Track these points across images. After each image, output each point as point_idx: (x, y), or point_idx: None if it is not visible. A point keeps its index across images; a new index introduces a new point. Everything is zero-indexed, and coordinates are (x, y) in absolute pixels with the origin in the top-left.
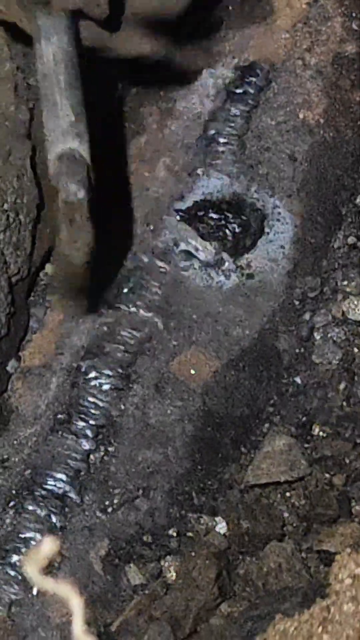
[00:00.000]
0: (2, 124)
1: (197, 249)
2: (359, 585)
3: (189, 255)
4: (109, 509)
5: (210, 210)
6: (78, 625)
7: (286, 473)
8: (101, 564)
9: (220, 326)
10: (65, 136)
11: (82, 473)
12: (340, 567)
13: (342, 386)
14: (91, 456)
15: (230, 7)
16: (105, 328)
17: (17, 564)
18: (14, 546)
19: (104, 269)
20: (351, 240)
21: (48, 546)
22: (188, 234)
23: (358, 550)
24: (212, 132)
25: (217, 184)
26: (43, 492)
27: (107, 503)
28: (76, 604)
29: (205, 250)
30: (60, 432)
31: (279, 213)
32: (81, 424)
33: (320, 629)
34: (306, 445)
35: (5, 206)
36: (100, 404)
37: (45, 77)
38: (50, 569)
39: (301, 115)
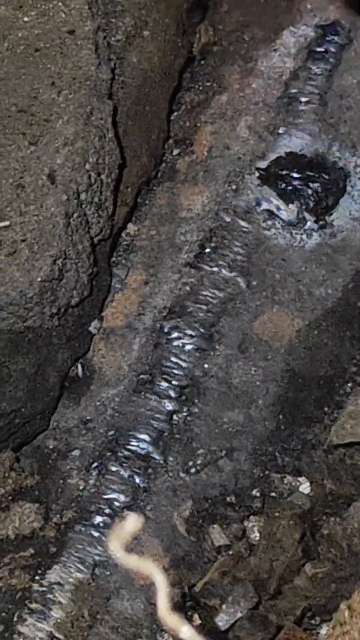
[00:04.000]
0: (84, 83)
1: (279, 208)
2: None
3: (270, 214)
4: (192, 470)
5: (292, 169)
6: (162, 603)
7: None
8: (185, 525)
9: (303, 286)
10: None
11: (166, 434)
12: None
13: None
14: (174, 417)
15: None
16: (187, 288)
17: (101, 525)
18: (97, 507)
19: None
20: None
21: (132, 523)
22: (270, 193)
23: None
24: (294, 90)
25: (299, 143)
26: (126, 453)
27: (190, 464)
28: (161, 581)
29: (287, 209)
30: (143, 393)
31: None
32: (164, 384)
33: None
34: None
35: (87, 166)
36: (183, 364)
37: None
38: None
39: None
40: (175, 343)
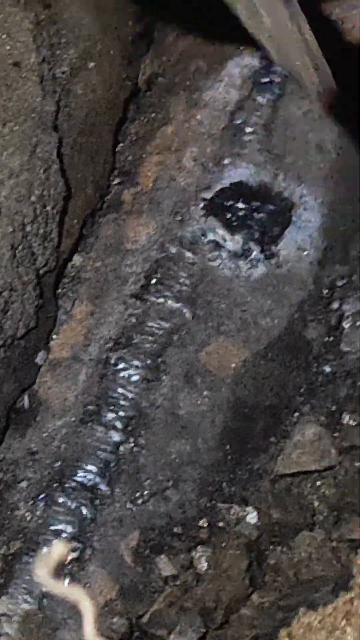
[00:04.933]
0: (29, 115)
1: (224, 239)
2: None
3: (216, 245)
4: (139, 501)
5: (237, 200)
6: (89, 628)
7: (316, 462)
8: (132, 556)
9: (249, 316)
10: None
11: (112, 464)
12: None
13: None
14: (121, 447)
15: None
16: (133, 319)
17: None
18: (44, 538)
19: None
20: None
21: (59, 550)
22: (215, 224)
23: None
24: (239, 121)
25: (244, 174)
26: (73, 484)
27: (137, 494)
28: (87, 607)
29: (232, 240)
30: (89, 424)
31: (307, 202)
32: (110, 415)
33: (343, 622)
34: (336, 434)
35: (33, 198)
36: (130, 395)
37: None
38: (71, 567)
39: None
40: (122, 374)
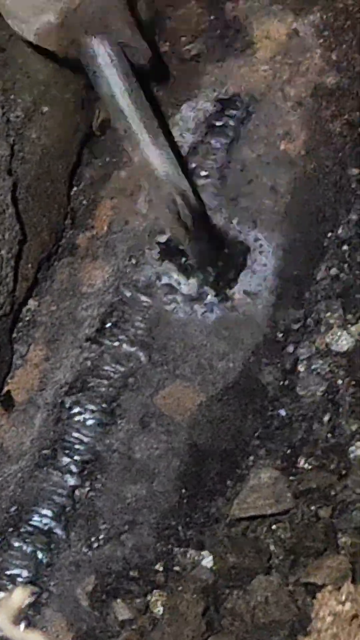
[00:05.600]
0: None
1: (179, 283)
2: (339, 623)
3: (171, 288)
4: (95, 545)
5: None
6: None
7: (272, 506)
8: (88, 600)
9: (204, 359)
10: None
11: (68, 509)
12: (322, 605)
13: (326, 418)
14: (76, 492)
15: (209, 40)
16: (88, 363)
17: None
18: (0, 583)
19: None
20: (334, 271)
21: (19, 596)
22: (170, 267)
23: (339, 587)
24: (193, 165)
25: None
26: (29, 529)
27: (93, 539)
28: None
29: (187, 284)
30: (45, 468)
31: (261, 246)
32: (66, 459)
33: None
34: (292, 478)
35: None
36: (85, 439)
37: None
38: (27, 611)
39: (282, 147)
40: (77, 418)
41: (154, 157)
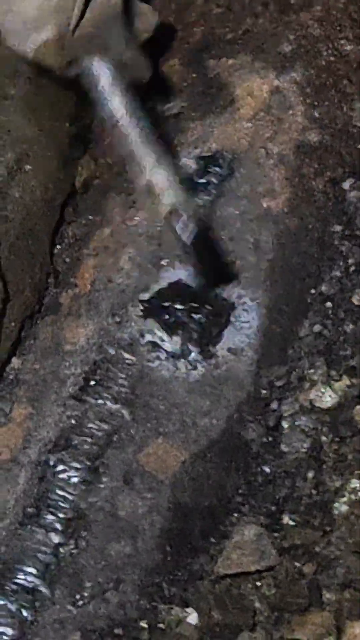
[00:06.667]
0: None
1: (162, 340)
2: None
3: (155, 346)
4: (80, 602)
5: (175, 301)
6: None
7: (256, 563)
8: None
9: (188, 417)
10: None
11: (52, 567)
12: None
13: (310, 475)
14: (61, 549)
15: (191, 97)
16: (72, 421)
17: None
18: None
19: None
20: (317, 328)
21: None
22: (153, 325)
23: None
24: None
25: (182, 275)
26: (13, 587)
27: (77, 596)
28: None
29: (170, 341)
30: (29, 526)
31: (244, 303)
32: (50, 517)
33: None
34: (276, 535)
35: None
36: (69, 497)
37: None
38: None
39: (265, 204)
40: (61, 476)
41: (159, 179)
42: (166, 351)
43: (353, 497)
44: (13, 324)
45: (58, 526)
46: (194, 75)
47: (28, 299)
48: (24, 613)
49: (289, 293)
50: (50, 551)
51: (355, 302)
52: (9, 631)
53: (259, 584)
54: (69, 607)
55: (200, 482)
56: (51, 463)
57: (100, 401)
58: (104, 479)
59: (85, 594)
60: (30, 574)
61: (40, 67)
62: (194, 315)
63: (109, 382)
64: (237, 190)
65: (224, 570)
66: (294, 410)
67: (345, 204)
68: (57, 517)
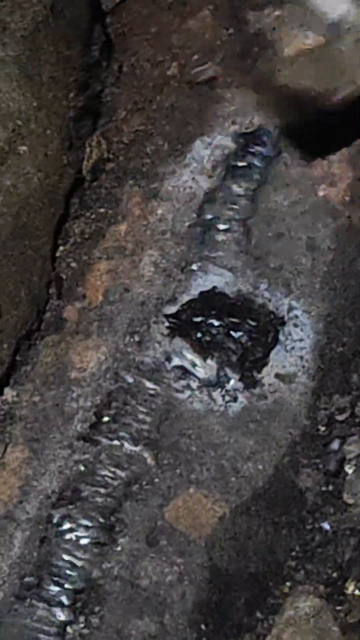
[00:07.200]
0: None
1: (194, 365)
2: None
3: (184, 372)
4: None
5: (209, 315)
6: None
7: None
8: None
9: (226, 461)
10: None
11: None
12: None
13: None
14: (68, 629)
15: (225, 60)
16: (81, 467)
17: None
18: None
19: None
20: None
21: None
22: (182, 345)
23: None
24: (210, 216)
25: (218, 282)
26: None
27: None
28: None
29: (204, 366)
30: (28, 600)
31: (297, 316)
32: (55, 588)
33: None
34: (338, 608)
35: None
36: (78, 563)
37: None
38: None
39: (321, 193)
40: (67, 536)
41: None
42: (199, 378)
43: None
44: (5, 345)
45: (64, 600)
46: (230, 31)
47: (24, 313)
48: None
49: (353, 303)
50: (55, 631)
51: None
52: None
53: None
54: None
55: (243, 542)
56: (55, 520)
57: (115, 442)
58: (122, 540)
59: None
60: None
61: None
62: (233, 333)
63: (126, 418)
64: (286, 175)
65: None
66: None
67: None
68: (64, 588)
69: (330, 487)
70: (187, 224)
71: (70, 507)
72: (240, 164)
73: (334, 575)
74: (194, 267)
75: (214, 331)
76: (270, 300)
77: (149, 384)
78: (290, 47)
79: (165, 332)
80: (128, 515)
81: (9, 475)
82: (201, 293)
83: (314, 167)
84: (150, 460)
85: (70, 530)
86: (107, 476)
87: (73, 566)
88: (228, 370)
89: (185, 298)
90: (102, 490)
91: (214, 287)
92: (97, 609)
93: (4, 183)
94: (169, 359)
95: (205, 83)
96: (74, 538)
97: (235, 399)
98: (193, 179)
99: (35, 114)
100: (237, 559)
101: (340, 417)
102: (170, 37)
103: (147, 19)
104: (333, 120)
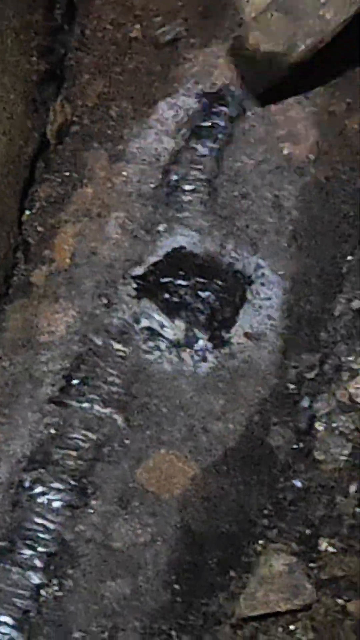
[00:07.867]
0: None
1: (162, 326)
2: None
3: (152, 333)
4: None
5: (177, 276)
6: None
7: (288, 601)
8: None
9: (197, 421)
10: None
11: (32, 614)
12: None
13: (352, 488)
14: (42, 592)
15: (188, 20)
16: (51, 430)
17: None
18: None
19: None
20: (356, 304)
21: None
22: (150, 307)
23: None
24: (175, 177)
25: (184, 242)
26: None
27: None
28: None
29: (172, 326)
30: (1, 564)
31: (264, 275)
32: (28, 552)
33: None
34: (311, 565)
35: None
36: (51, 526)
37: None
38: None
39: (286, 151)
40: (39, 500)
41: None
42: (167, 339)
43: None
44: None
45: (38, 563)
46: None
47: None
48: None
49: (320, 261)
50: (29, 594)
51: None
52: None
53: (292, 627)
54: None
55: (216, 502)
56: (26, 484)
57: (86, 404)
58: (94, 503)
59: None
60: (5, 624)
61: None
62: (200, 292)
63: (96, 380)
64: (251, 134)
65: (248, 611)
66: (329, 408)
67: None
68: (37, 551)
69: (301, 445)
70: (152, 185)
71: (41, 470)
72: (204, 124)
73: (307, 532)
74: (161, 228)
75: (181, 292)
76: (237, 260)
77: (118, 346)
78: (251, 5)
79: (133, 293)
80: (99, 477)
81: None
82: (168, 254)
83: (278, 125)
84: (120, 422)
85: (42, 493)
86: (78, 439)
87: (46, 529)
88: (196, 331)
89: (152, 259)
90: (73, 453)
91: (181, 248)
92: (70, 571)
93: None
94: (137, 321)
95: (169, 44)
96: (45, 501)
97: (204, 359)
98: (158, 140)
99: None
100: (209, 519)
101: (309, 375)
102: None
103: None
104: (294, 74)
